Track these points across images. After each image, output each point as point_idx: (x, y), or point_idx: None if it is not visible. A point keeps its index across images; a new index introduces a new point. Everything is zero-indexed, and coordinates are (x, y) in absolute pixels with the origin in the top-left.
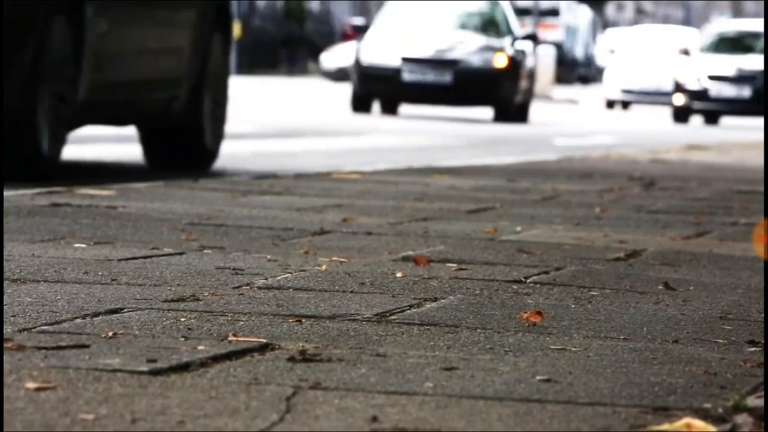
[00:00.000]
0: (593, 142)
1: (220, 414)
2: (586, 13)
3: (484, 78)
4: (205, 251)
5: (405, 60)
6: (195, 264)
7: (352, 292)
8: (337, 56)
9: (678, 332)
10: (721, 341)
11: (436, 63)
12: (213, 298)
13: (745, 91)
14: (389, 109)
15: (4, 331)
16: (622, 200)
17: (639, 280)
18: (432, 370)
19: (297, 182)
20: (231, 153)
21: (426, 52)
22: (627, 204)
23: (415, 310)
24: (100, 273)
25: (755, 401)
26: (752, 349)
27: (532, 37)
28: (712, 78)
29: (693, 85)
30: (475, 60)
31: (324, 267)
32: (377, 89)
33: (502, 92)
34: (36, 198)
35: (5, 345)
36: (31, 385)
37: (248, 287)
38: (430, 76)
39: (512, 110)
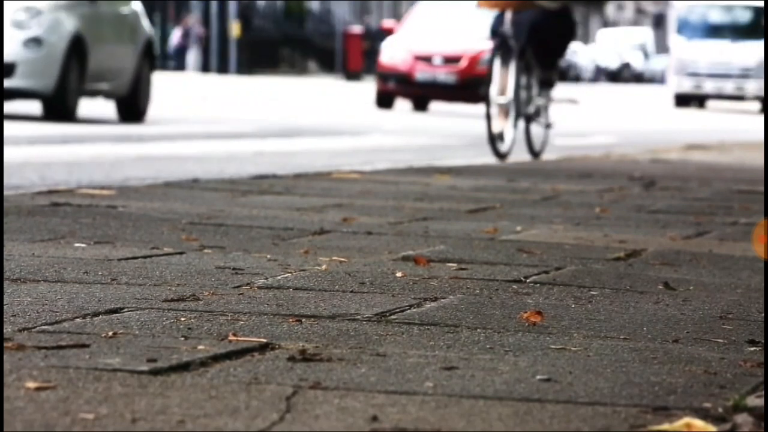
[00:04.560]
0: (593, 142)
1: (220, 414)
2: None
3: None
4: (205, 251)
5: None
6: (195, 264)
7: (352, 291)
8: None
9: (678, 332)
10: (721, 341)
11: None
12: (213, 297)
13: None
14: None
15: (4, 330)
16: (622, 200)
17: (639, 280)
18: (432, 370)
19: (297, 182)
20: (231, 153)
21: None
22: (627, 204)
23: (415, 309)
24: (100, 273)
25: (755, 401)
26: (752, 348)
27: None
28: None
29: None
30: None
31: (324, 267)
32: None
33: None
34: (36, 198)
35: (5, 345)
36: (31, 384)
37: (248, 287)
38: None
39: None
